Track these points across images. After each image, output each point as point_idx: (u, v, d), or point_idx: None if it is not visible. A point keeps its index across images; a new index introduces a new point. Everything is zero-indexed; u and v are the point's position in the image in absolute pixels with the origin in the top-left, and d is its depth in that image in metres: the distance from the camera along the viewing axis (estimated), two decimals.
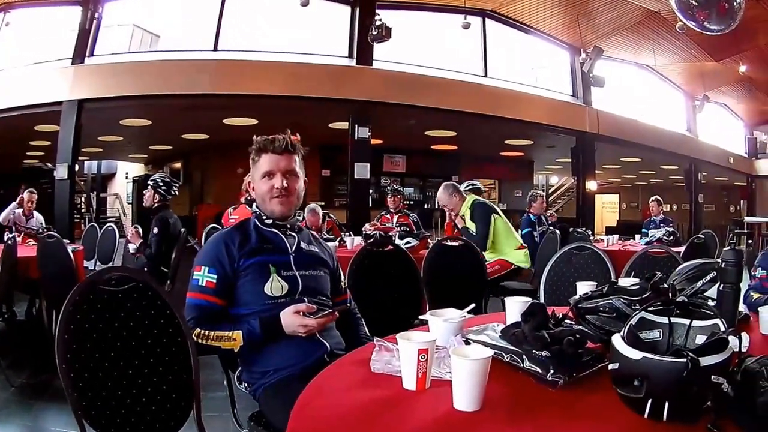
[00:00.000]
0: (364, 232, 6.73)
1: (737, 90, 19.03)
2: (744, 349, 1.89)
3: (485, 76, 13.86)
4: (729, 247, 2.28)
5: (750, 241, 17.87)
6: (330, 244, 5.69)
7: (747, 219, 21.09)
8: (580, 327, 1.92)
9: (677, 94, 19.56)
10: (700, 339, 1.62)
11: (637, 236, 9.78)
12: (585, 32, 14.25)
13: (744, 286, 3.00)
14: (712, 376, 1.30)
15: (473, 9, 13.00)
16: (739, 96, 19.72)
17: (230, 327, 2.31)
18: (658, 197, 10.33)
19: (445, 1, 12.78)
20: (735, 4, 6.89)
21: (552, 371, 1.60)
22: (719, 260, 2.34)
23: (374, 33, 11.05)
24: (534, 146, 18.02)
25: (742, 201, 25.63)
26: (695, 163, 19.83)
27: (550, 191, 28.57)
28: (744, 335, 2.11)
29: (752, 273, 3.39)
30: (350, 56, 12.17)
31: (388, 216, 8.32)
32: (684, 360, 1.28)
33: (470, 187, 7.09)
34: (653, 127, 17.37)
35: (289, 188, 2.50)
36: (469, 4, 12.38)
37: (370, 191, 13.25)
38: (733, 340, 1.45)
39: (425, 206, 18.54)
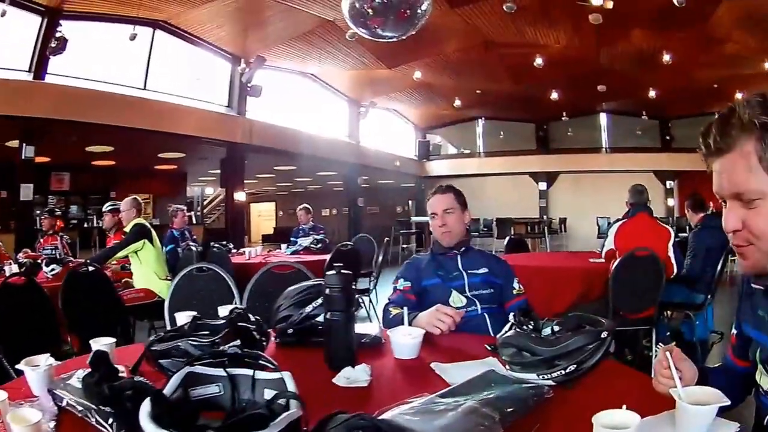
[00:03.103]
0: (18, 261, 6.69)
1: (411, 96, 20.56)
2: (365, 384, 1.87)
3: (144, 88, 13.80)
4: (333, 271, 2.07)
5: (405, 246, 19.14)
6: None
7: (414, 219, 22.95)
8: (141, 378, 1.72)
9: (341, 102, 20.72)
10: (269, 393, 1.47)
11: (284, 246, 9.90)
12: (252, 42, 14.80)
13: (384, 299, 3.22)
14: None
15: (146, 19, 12.94)
16: (413, 101, 21.35)
17: None
18: (307, 205, 10.58)
19: (122, 11, 12.39)
20: (419, 11, 6.80)
21: (118, 427, 1.50)
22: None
23: (53, 45, 10.78)
24: (187, 159, 18.11)
25: (410, 201, 27.07)
26: (355, 168, 21.18)
27: (205, 203, 28.49)
28: (363, 367, 1.95)
29: (393, 285, 3.17)
30: (30, 70, 11.56)
31: (42, 240, 8.37)
32: None
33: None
34: (309, 135, 18.18)
35: None
36: (143, 14, 12.33)
37: (38, 212, 12.59)
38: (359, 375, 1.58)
39: (85, 225, 17.84)
